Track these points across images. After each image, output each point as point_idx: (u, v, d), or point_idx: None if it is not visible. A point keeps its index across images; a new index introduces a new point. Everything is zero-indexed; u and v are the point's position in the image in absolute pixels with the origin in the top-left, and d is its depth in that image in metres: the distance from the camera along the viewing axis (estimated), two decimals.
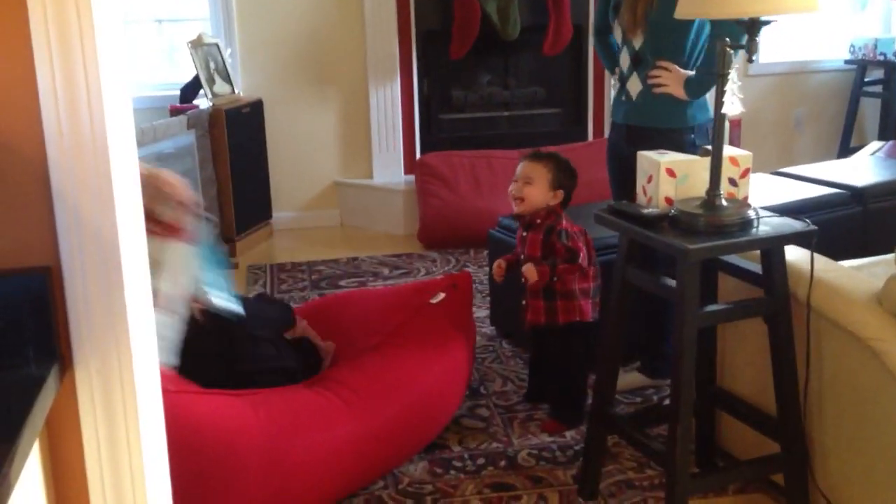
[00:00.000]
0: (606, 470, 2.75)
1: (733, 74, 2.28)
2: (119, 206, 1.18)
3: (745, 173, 2.46)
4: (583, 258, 2.95)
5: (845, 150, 5.94)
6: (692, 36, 2.97)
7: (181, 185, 1.77)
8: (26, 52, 1.12)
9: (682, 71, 2.97)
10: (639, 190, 2.53)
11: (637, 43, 3.03)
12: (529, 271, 2.94)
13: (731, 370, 2.69)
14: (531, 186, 3.02)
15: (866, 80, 6.05)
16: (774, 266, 2.35)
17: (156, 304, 1.70)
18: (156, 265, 1.71)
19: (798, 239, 2.34)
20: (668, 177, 2.42)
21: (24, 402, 1.07)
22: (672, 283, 2.36)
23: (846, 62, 6.14)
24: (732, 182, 2.43)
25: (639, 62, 3.05)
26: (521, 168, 3.08)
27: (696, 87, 2.96)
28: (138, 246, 1.25)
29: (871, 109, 6.21)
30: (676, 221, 2.34)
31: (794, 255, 2.43)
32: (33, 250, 1.18)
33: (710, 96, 2.98)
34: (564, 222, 3.00)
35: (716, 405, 2.70)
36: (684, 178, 2.41)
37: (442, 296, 3.06)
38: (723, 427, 2.75)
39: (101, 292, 1.18)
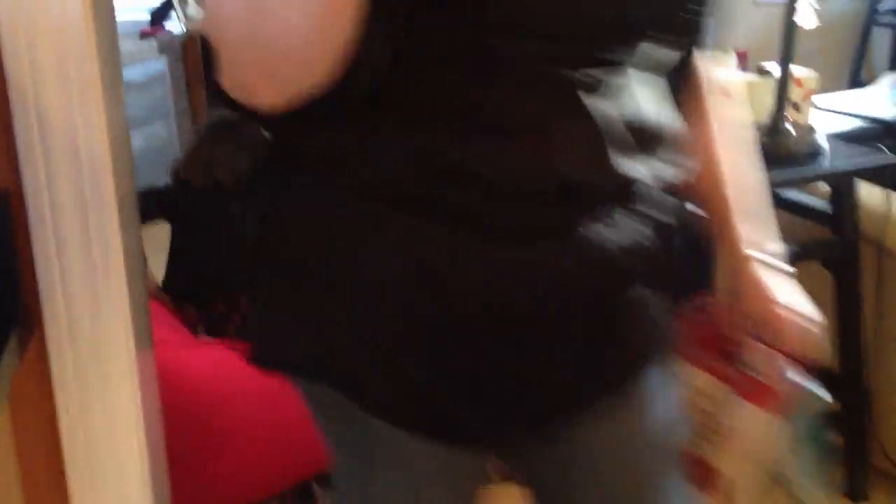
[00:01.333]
0: None
1: None
2: (107, 101, 0.86)
3: (807, 95, 2.18)
4: None
5: (855, 82, 5.66)
6: None
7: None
8: None
9: None
10: None
11: None
12: None
13: None
14: None
15: (879, 8, 5.75)
16: (846, 202, 2.07)
17: None
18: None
19: (875, 171, 2.06)
20: (723, 98, 2.12)
21: None
22: None
23: None
24: (796, 106, 2.14)
25: None
26: None
27: None
28: (126, 158, 0.93)
29: (881, 40, 5.91)
30: None
31: (863, 190, 2.15)
32: None
33: None
34: None
35: None
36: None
37: None
38: None
39: (81, 223, 0.86)
